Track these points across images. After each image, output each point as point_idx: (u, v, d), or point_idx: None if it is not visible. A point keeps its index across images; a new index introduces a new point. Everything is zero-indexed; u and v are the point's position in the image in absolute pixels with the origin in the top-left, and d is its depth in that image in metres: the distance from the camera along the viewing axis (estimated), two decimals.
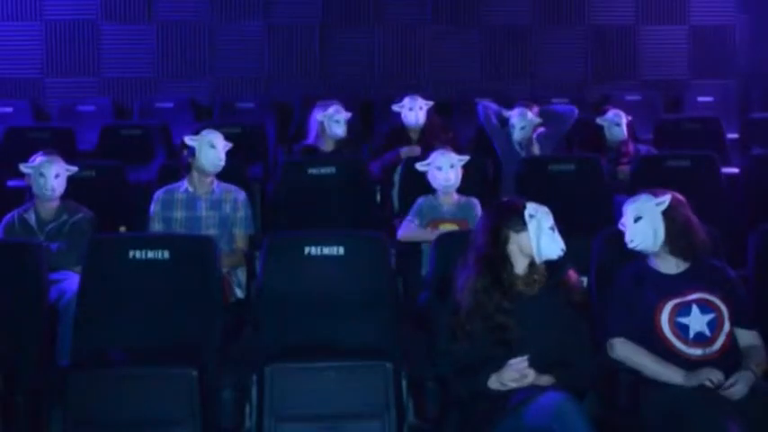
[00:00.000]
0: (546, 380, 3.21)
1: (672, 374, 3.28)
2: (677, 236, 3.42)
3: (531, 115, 6.10)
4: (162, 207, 4.77)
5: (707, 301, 3.38)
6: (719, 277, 3.45)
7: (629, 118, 6.44)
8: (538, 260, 3.37)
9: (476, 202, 4.87)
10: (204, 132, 4.78)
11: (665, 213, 3.43)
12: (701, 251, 3.46)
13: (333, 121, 5.99)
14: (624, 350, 3.39)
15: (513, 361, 3.20)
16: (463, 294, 3.34)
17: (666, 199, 3.46)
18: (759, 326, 3.45)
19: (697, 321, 3.35)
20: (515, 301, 3.32)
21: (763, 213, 5.00)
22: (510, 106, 6.37)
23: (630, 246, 3.46)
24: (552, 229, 3.37)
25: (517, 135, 6.07)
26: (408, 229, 4.81)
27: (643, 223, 3.43)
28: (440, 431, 3.37)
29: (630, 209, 3.48)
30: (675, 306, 3.37)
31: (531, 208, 3.39)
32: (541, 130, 6.28)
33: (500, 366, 3.21)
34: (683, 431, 3.11)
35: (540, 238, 3.35)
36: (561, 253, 3.36)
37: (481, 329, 3.29)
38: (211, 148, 4.72)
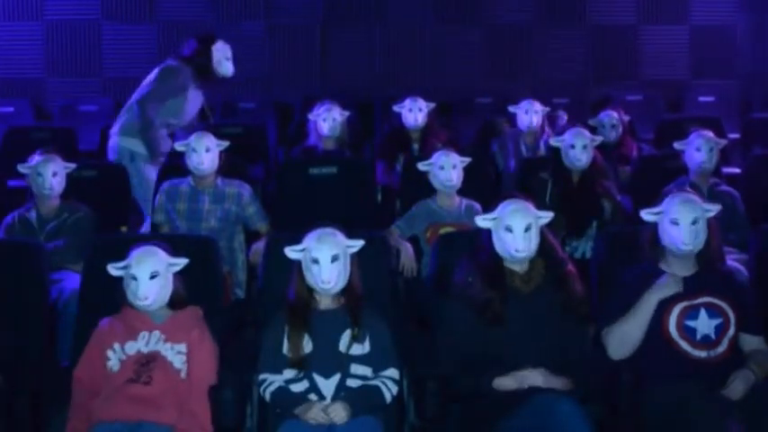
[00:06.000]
0: (563, 384, 3.21)
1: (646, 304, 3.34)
2: (707, 240, 3.43)
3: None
4: (166, 198, 4.83)
5: (715, 305, 3.38)
6: (728, 283, 3.47)
7: (626, 118, 6.41)
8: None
9: (479, 207, 4.78)
10: (192, 137, 4.81)
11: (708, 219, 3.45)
12: (717, 256, 3.49)
13: (321, 119, 6.07)
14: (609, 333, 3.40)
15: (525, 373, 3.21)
16: (461, 294, 3.35)
17: (716, 209, 3.46)
18: (762, 327, 3.45)
19: (704, 325, 3.35)
20: (513, 299, 3.32)
21: (764, 213, 5.00)
22: (511, 106, 6.37)
23: (687, 249, 3.37)
24: (509, 229, 3.32)
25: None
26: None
27: (699, 225, 3.39)
28: (440, 431, 3.37)
29: (688, 209, 3.39)
30: (684, 309, 3.38)
31: (501, 207, 3.39)
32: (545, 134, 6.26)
33: (503, 366, 3.22)
34: (683, 431, 3.11)
35: (495, 236, 3.35)
36: (516, 254, 3.31)
37: (479, 329, 3.29)
38: (193, 152, 4.75)
